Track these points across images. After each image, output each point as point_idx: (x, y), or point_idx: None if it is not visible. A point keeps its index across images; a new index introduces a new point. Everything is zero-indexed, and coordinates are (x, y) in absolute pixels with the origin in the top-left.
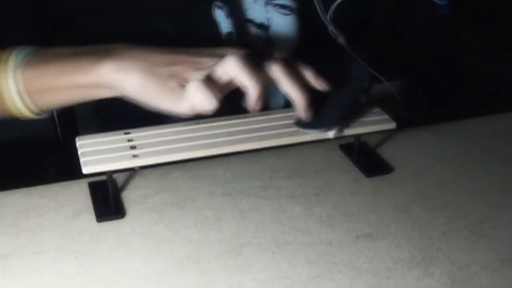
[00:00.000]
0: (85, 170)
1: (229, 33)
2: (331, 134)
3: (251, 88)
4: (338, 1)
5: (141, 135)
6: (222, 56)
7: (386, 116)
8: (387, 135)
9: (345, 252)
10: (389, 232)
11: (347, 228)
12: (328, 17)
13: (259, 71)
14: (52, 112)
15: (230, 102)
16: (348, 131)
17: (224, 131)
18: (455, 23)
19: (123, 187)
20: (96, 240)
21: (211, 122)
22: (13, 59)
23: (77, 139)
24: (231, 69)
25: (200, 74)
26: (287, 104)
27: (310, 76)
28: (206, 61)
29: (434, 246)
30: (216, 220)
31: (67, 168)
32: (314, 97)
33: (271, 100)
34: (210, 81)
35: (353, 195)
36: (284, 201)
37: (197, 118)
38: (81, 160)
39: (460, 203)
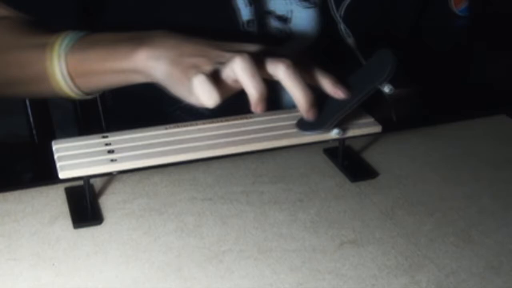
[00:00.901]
0: (62, 175)
1: (249, 21)
2: (334, 134)
3: (251, 92)
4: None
5: (119, 138)
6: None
7: (372, 119)
8: (373, 138)
9: (329, 259)
10: (374, 239)
11: (332, 234)
12: (339, 15)
13: (263, 73)
14: (28, 114)
15: (237, 102)
16: (332, 135)
17: (205, 134)
18: (470, 32)
19: (100, 192)
20: (73, 247)
21: (191, 125)
22: (61, 44)
23: (53, 143)
24: (235, 71)
25: (208, 69)
26: None
27: (327, 83)
28: (227, 55)
29: (421, 252)
30: (197, 226)
31: (43, 172)
32: (318, 97)
33: (285, 97)
34: (217, 78)
35: (338, 201)
36: (267, 206)
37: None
38: (58, 164)
39: (448, 208)
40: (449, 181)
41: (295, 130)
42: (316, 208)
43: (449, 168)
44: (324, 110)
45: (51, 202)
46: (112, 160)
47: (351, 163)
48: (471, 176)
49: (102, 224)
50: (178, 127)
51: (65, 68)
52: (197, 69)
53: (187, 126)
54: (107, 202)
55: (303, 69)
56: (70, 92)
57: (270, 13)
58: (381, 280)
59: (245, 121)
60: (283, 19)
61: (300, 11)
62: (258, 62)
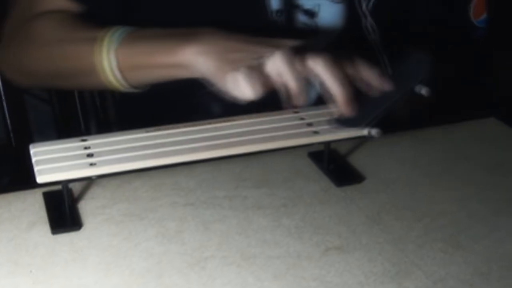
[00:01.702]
0: (40, 179)
1: (277, 11)
2: (374, 132)
3: (292, 85)
4: None
5: (99, 142)
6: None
7: None
8: (359, 141)
9: (314, 266)
10: (361, 245)
11: (317, 241)
12: (366, 10)
13: (303, 67)
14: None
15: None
16: (317, 138)
17: (187, 137)
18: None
19: (79, 197)
20: (51, 253)
21: (173, 128)
22: (109, 38)
23: (31, 146)
24: (277, 64)
25: (251, 64)
26: (319, 100)
27: (374, 76)
28: (268, 50)
29: (409, 259)
30: (179, 232)
31: (20, 177)
32: (356, 92)
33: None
34: (259, 72)
35: (323, 206)
36: (250, 212)
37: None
38: (35, 168)
39: (436, 213)
40: (437, 185)
41: (279, 133)
42: (301, 214)
43: (438, 172)
44: (360, 108)
45: (29, 207)
46: (91, 164)
47: (337, 167)
48: (460, 180)
49: (81, 230)
50: (159, 130)
51: (114, 61)
52: (241, 64)
53: (168, 129)
54: (86, 207)
55: (346, 64)
56: (118, 85)
57: (298, 6)
58: (367, 287)
59: (228, 124)
60: (310, 13)
61: (328, 5)
62: (298, 56)
